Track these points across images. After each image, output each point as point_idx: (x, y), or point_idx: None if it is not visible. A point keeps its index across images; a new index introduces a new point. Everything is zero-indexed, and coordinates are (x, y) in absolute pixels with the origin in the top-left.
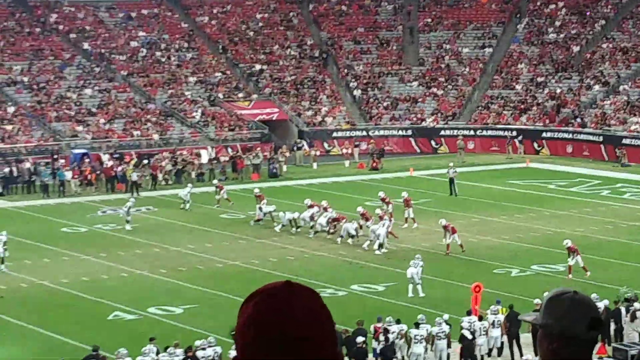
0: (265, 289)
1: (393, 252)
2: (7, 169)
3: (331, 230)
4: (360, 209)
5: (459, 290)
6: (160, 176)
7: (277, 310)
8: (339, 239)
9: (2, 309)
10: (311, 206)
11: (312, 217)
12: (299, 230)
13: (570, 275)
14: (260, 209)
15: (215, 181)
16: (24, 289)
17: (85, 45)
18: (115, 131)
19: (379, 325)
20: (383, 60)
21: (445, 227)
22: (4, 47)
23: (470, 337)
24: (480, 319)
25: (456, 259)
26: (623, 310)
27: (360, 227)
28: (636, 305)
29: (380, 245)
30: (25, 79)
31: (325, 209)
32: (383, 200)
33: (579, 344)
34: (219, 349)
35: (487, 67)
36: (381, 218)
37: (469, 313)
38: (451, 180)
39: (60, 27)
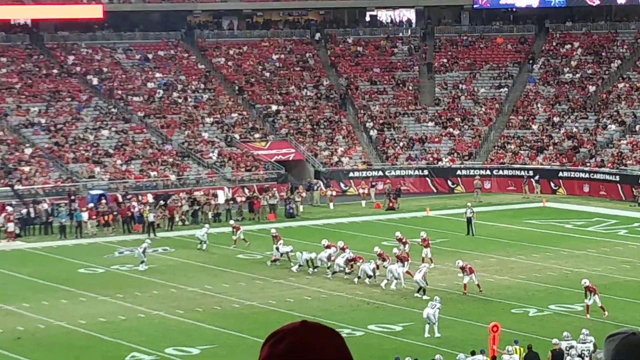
0: (282, 329)
1: (410, 292)
2: (24, 210)
3: (348, 271)
4: (377, 249)
5: (477, 330)
6: (177, 217)
7: (291, 352)
8: (356, 279)
9: (20, 350)
10: (328, 247)
11: (329, 258)
12: (316, 270)
13: (588, 315)
14: (277, 249)
15: (231, 222)
16: (41, 330)
17: (102, 87)
18: (132, 172)
19: None
20: (399, 100)
21: (462, 268)
22: (21, 88)
23: None
24: (494, 359)
25: (473, 298)
26: None
27: (378, 267)
28: None
29: (424, 291)
30: (43, 121)
31: (342, 250)
32: (400, 240)
33: None
34: None
35: (503, 107)
36: (400, 259)
37: (473, 353)
38: (469, 220)
39: (78, 68)
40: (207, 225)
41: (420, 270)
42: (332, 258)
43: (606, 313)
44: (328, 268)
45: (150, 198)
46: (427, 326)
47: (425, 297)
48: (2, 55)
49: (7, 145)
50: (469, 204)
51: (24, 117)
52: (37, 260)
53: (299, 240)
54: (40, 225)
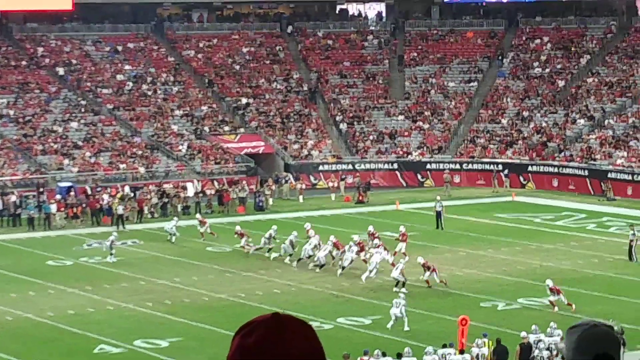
0: (253, 321)
1: (379, 286)
2: None
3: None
4: (356, 237)
5: (446, 324)
6: (146, 209)
7: (262, 343)
8: (339, 271)
9: None
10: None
11: (316, 247)
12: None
13: (556, 308)
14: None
15: (198, 215)
16: (9, 322)
17: (69, 77)
18: (101, 164)
19: (366, 358)
20: (369, 94)
21: (423, 265)
22: None
23: None
24: (462, 352)
25: (442, 292)
26: None
27: (362, 249)
28: None
29: (403, 284)
30: (11, 112)
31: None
32: (372, 235)
33: None
34: None
35: (473, 101)
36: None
37: (443, 346)
38: (438, 214)
39: (47, 60)
40: (175, 218)
41: (397, 268)
42: (318, 248)
43: (574, 307)
44: (308, 257)
45: (127, 190)
46: (392, 322)
47: (404, 290)
48: None
49: None
50: (438, 198)
51: None
52: (5, 253)
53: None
54: (8, 217)
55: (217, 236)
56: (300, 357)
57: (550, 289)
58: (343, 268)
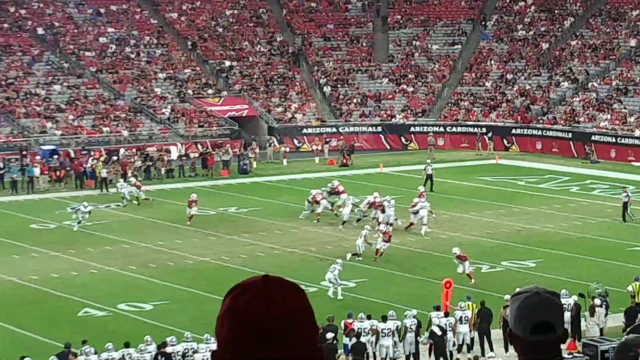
0: (244, 282)
1: (366, 249)
2: None
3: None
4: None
5: (429, 287)
6: (129, 172)
7: (252, 304)
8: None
9: None
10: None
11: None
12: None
13: (472, 281)
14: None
15: (132, 179)
16: None
17: (48, 37)
18: (85, 127)
19: (350, 321)
20: (353, 57)
21: (459, 257)
22: None
23: (439, 333)
24: (447, 315)
25: (427, 255)
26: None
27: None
28: (596, 301)
29: (357, 255)
30: None
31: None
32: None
33: (525, 345)
34: (194, 345)
35: (457, 63)
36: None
37: (436, 308)
38: (429, 177)
39: (29, 22)
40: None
41: (361, 235)
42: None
43: (472, 281)
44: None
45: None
46: (331, 289)
47: (359, 259)
48: None
49: None
50: (428, 161)
51: None
52: None
53: (252, 196)
54: None
55: (152, 200)
56: (290, 317)
57: (458, 257)
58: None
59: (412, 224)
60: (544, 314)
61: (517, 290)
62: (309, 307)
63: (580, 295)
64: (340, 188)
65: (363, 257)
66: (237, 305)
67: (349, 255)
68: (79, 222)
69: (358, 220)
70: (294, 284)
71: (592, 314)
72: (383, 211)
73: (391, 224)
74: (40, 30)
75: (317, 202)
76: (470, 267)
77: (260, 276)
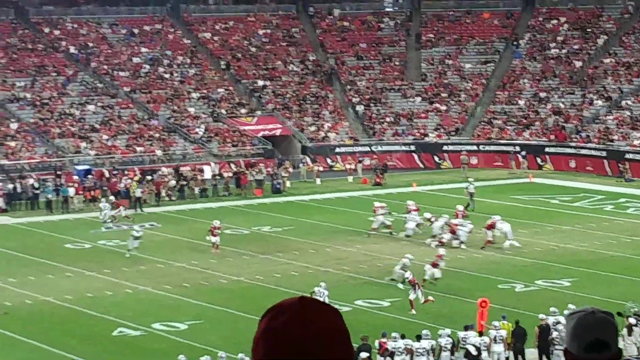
0: (281, 304)
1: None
2: (10, 185)
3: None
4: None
5: (464, 306)
6: (163, 192)
7: (289, 326)
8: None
9: (7, 325)
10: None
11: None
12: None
13: (413, 311)
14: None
15: (112, 198)
16: (28, 305)
17: (80, 56)
18: (119, 147)
19: (384, 340)
20: (385, 75)
21: (410, 282)
22: (6, 63)
23: (475, 352)
24: (481, 334)
25: (461, 274)
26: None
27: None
28: (631, 320)
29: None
30: (28, 95)
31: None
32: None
33: None
34: None
35: (490, 82)
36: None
37: (465, 328)
38: (471, 195)
39: (63, 43)
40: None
41: (401, 263)
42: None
43: (413, 311)
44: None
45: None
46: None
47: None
48: None
49: None
50: (470, 179)
51: (9, 91)
52: (23, 235)
53: (285, 215)
54: (26, 201)
55: (132, 219)
56: (326, 339)
57: (410, 282)
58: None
59: (489, 241)
60: (599, 333)
61: (572, 309)
62: (345, 328)
63: (618, 314)
64: (412, 208)
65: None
66: (273, 327)
67: (387, 278)
68: (129, 250)
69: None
70: (329, 305)
71: (629, 333)
72: (453, 232)
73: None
74: (74, 51)
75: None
76: (416, 294)
77: (296, 298)
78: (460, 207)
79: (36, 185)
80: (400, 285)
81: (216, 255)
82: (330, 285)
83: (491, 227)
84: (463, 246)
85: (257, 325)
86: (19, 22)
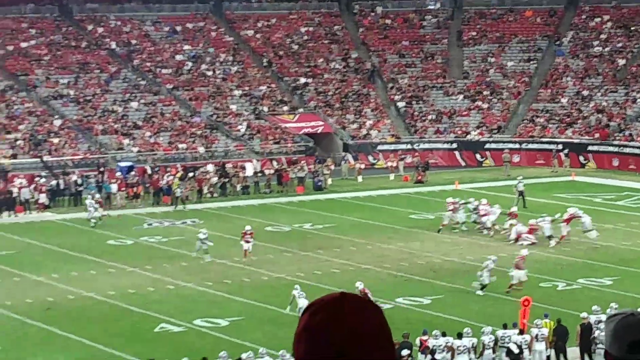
0: (322, 299)
1: (439, 265)
2: (54, 182)
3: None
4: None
5: (506, 304)
6: (205, 189)
7: (330, 322)
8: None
9: (50, 320)
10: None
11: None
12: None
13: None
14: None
15: (97, 196)
16: (70, 300)
17: (122, 52)
18: (161, 144)
19: (425, 338)
20: (427, 73)
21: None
22: (50, 60)
23: (516, 350)
24: (522, 332)
25: (504, 272)
26: None
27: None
28: None
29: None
30: (72, 92)
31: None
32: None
33: None
34: None
35: (532, 80)
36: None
37: (504, 326)
38: (520, 193)
39: (106, 40)
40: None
41: (486, 267)
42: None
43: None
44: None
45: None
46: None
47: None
48: (32, 27)
49: (36, 116)
50: (520, 177)
51: (53, 88)
52: (66, 232)
53: (326, 213)
54: (69, 197)
55: (107, 216)
56: (367, 335)
57: (360, 291)
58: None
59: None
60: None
61: (611, 313)
62: (386, 324)
63: None
64: (483, 210)
65: (436, 272)
66: (314, 323)
67: (477, 285)
68: (206, 252)
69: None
70: (371, 301)
71: None
72: (531, 232)
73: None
74: (117, 48)
75: (453, 211)
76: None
77: (337, 293)
78: (514, 208)
79: (79, 181)
80: (480, 292)
81: (248, 261)
82: (371, 282)
83: (569, 220)
84: (552, 242)
85: (298, 321)
86: (63, 20)
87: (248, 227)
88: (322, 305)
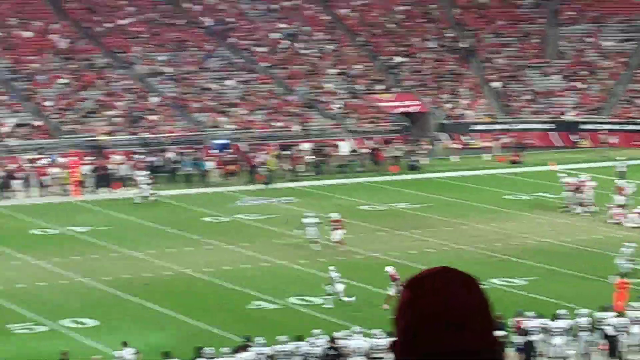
0: (423, 273)
1: (534, 246)
2: (151, 159)
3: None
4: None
5: (601, 287)
6: (301, 167)
7: (434, 295)
8: None
9: (148, 296)
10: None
11: None
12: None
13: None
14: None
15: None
16: (167, 276)
17: (215, 28)
18: (256, 122)
19: (519, 319)
20: (524, 53)
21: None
22: (148, 38)
23: (613, 333)
24: (620, 315)
25: (600, 254)
26: None
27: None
28: None
29: None
30: (169, 70)
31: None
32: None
33: None
34: (361, 339)
35: (631, 60)
36: None
37: (603, 309)
38: (621, 174)
39: (203, 18)
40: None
41: (622, 253)
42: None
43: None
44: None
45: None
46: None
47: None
48: (130, 5)
49: (134, 94)
50: (621, 158)
51: (150, 66)
52: (162, 208)
53: (421, 192)
54: (166, 174)
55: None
56: (471, 309)
57: (391, 276)
58: None
59: None
60: None
61: None
62: (488, 299)
63: None
64: (588, 184)
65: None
66: (418, 296)
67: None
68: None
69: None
70: (473, 277)
71: None
72: None
73: None
74: (213, 26)
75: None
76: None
77: (440, 267)
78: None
79: (178, 159)
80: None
81: (342, 247)
82: (465, 263)
83: None
84: None
85: (399, 295)
86: None
87: (335, 215)
88: (424, 279)
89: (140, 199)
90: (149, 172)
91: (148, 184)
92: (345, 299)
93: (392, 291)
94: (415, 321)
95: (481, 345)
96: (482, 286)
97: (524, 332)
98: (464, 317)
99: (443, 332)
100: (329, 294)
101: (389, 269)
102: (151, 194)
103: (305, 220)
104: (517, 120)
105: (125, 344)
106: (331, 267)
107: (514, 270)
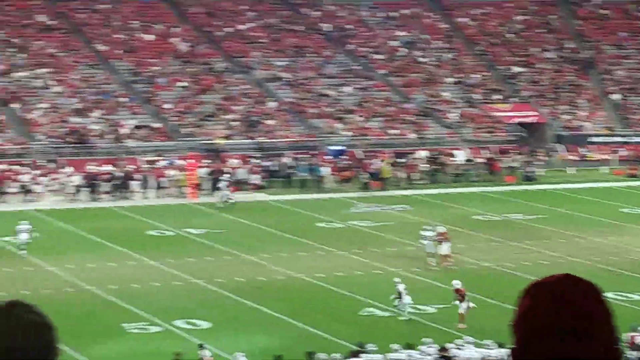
0: (544, 280)
1: None
2: (268, 163)
3: None
4: None
5: None
6: (416, 175)
7: (553, 302)
8: None
9: (261, 299)
10: None
11: None
12: None
13: (462, 325)
14: None
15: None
16: (280, 281)
17: (333, 35)
18: (372, 129)
19: (634, 334)
20: None
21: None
22: (267, 43)
23: None
24: None
25: None
26: None
27: None
28: None
29: None
30: (287, 75)
31: None
32: None
33: None
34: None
35: None
36: None
37: None
38: None
39: (322, 25)
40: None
41: None
42: None
43: (462, 325)
44: None
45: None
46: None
47: None
48: (250, 10)
49: (251, 98)
50: None
51: (268, 71)
52: (277, 212)
53: (536, 204)
54: (281, 178)
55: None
56: (593, 317)
57: (457, 291)
58: None
59: None
60: None
61: None
62: (610, 307)
63: None
64: None
65: None
66: (540, 303)
67: None
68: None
69: None
70: (594, 283)
71: None
72: None
73: None
74: (332, 32)
75: None
76: (467, 306)
77: (561, 274)
78: None
79: (294, 164)
80: None
81: (450, 265)
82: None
83: None
84: None
85: (518, 301)
86: (280, 3)
87: (441, 228)
88: (547, 285)
89: (223, 204)
90: (228, 177)
91: (227, 188)
92: (406, 313)
93: (462, 309)
94: (535, 329)
95: (605, 355)
96: (603, 294)
97: (638, 348)
98: (590, 326)
99: (566, 341)
100: (396, 306)
101: (456, 283)
102: (229, 199)
103: (422, 233)
104: (636, 133)
105: (201, 346)
106: (397, 279)
107: (629, 284)
